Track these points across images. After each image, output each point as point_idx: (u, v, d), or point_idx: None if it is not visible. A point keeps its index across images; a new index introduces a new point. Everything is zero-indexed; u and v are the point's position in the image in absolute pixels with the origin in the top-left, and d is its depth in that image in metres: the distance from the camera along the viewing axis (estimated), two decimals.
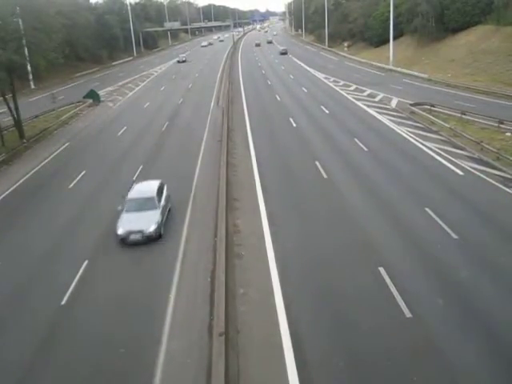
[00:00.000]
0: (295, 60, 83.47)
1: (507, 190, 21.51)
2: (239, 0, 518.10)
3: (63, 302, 14.93)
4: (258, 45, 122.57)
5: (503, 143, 27.86)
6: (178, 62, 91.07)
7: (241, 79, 63.61)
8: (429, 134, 31.29)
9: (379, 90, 48.54)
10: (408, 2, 68.83)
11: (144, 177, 26.13)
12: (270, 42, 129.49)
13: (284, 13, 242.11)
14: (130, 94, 58.29)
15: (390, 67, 64.47)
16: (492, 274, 15.03)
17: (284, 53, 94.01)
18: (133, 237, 18.00)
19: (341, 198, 21.74)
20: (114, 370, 12.08)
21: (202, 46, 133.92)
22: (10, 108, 36.05)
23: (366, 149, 28.68)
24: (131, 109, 48.10)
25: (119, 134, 37.23)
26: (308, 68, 70.84)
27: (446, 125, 31.97)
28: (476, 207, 19.94)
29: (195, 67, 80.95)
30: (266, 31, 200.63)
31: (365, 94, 48.02)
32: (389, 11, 65.99)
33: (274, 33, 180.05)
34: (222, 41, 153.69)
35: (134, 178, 25.84)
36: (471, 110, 34.74)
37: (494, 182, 22.45)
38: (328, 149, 29.45)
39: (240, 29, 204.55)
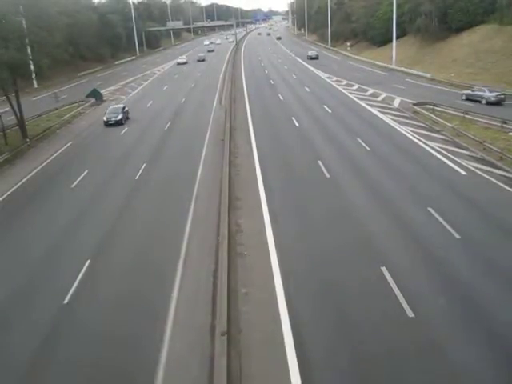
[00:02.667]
0: (298, 59, 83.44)
1: (510, 189, 21.45)
2: None
3: (66, 301, 14.97)
4: (259, 34, 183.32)
5: (506, 143, 27.78)
6: (105, 123, 40.06)
7: (243, 78, 63.60)
8: (432, 134, 31.23)
9: (382, 90, 48.47)
10: (411, 2, 68.66)
11: (147, 176, 26.26)
12: (268, 34, 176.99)
13: (287, 12, 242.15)
14: (133, 93, 58.37)
15: (393, 67, 64.38)
16: (494, 274, 14.99)
17: (279, 38, 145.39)
18: None
19: (343, 197, 21.71)
20: (116, 369, 12.08)
21: (180, 64, 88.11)
22: (12, 107, 36.12)
23: (368, 148, 28.64)
24: (134, 108, 48.07)
25: (121, 133, 37.26)
26: (311, 67, 70.82)
27: (449, 124, 31.89)
28: (479, 207, 19.88)
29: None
30: (270, 28, 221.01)
31: (367, 93, 47.96)
32: (392, 11, 65.87)
33: (275, 28, 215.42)
34: (211, 51, 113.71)
35: (137, 178, 26.01)
36: (474, 110, 34.67)
37: (497, 182, 22.39)
38: (330, 148, 29.42)
39: (235, 31, 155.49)
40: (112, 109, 41.84)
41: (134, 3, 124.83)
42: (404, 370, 11.44)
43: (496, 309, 13.34)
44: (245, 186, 23.99)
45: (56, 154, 32.41)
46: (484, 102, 38.95)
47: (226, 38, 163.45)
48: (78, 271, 16.55)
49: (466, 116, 33.70)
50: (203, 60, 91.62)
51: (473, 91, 40.79)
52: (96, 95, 52.15)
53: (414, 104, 38.67)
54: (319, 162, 26.20)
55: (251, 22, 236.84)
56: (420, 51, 66.86)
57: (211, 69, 76.89)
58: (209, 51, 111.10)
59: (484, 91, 39.54)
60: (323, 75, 61.92)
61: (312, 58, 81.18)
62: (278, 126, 35.98)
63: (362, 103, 42.58)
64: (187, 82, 63.27)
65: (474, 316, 13.15)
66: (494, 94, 38.86)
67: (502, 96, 38.62)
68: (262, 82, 59.24)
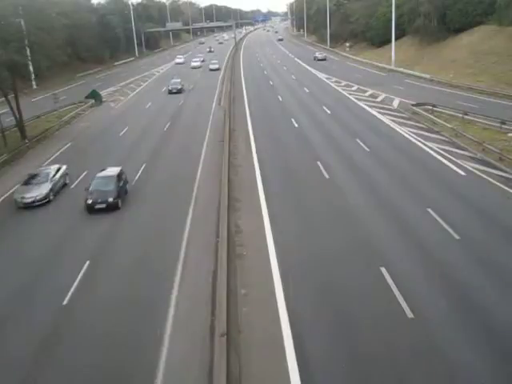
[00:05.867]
0: (297, 60, 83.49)
1: (509, 190, 21.46)
2: (241, 0, 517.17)
3: (65, 302, 14.95)
4: (264, 29, 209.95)
5: (505, 144, 27.79)
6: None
7: (243, 79, 63.59)
8: (431, 135, 31.24)
9: (381, 91, 48.47)
10: (410, 2, 68.72)
11: (146, 176, 26.24)
12: (268, 31, 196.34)
13: (286, 13, 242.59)
14: (132, 94, 58.31)
15: (392, 67, 64.40)
16: (494, 275, 15.00)
17: (276, 31, 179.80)
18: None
19: (342, 198, 21.71)
20: (116, 370, 12.08)
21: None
22: (12, 108, 36.07)
23: (367, 149, 28.66)
24: (133, 109, 48.14)
25: (121, 134, 37.24)
26: (310, 68, 70.81)
27: (448, 125, 31.91)
28: (478, 207, 19.89)
29: None
30: (272, 27, 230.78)
31: (367, 94, 47.97)
32: (391, 11, 65.94)
33: (276, 27, 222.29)
34: (174, 91, 54.47)
35: (136, 178, 25.99)
36: (473, 111, 34.69)
37: (496, 183, 22.41)
38: (330, 149, 29.43)
39: (234, 32, 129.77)
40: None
41: (132, 4, 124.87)
42: (404, 370, 11.44)
43: (495, 309, 13.34)
44: (244, 186, 23.99)
45: (55, 155, 32.38)
46: (316, 59, 79.46)
47: (210, 51, 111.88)
48: (78, 272, 16.55)
49: (465, 117, 33.71)
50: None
51: (314, 54, 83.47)
52: (95, 96, 52.09)
53: (413, 105, 38.69)
54: (318, 163, 26.20)
55: (250, 24, 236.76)
56: (419, 52, 66.91)
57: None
58: (171, 92, 54.25)
59: (316, 53, 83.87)
60: (322, 76, 61.94)
61: (279, 40, 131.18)
62: (278, 126, 35.99)
63: (361, 104, 42.60)
64: (186, 83, 63.15)
65: (473, 316, 13.15)
66: (321, 55, 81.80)
67: (324, 55, 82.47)
68: (261, 83, 59.24)
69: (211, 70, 73.99)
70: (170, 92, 54.75)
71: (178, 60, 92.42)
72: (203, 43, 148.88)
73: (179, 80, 57.81)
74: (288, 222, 19.65)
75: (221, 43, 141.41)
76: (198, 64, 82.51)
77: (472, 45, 56.45)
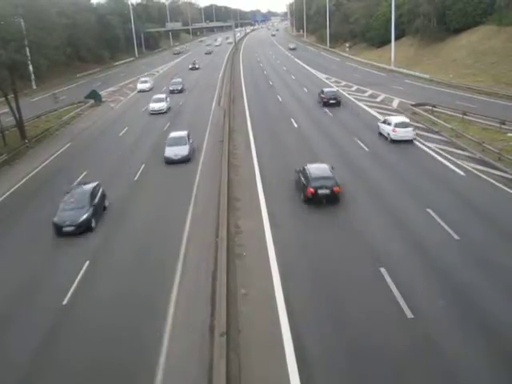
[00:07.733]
0: (296, 60, 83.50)
1: (509, 190, 21.48)
2: (241, 0, 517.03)
3: (65, 302, 14.96)
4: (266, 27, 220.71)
5: (505, 144, 27.82)
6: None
7: (242, 78, 63.60)
8: (430, 135, 31.25)
9: (381, 91, 48.47)
10: (409, 3, 68.82)
11: (146, 176, 26.26)
12: (268, 29, 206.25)
13: (285, 13, 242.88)
14: (132, 94, 58.25)
15: (392, 68, 64.45)
16: (493, 275, 15.02)
17: (277, 30, 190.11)
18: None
19: (342, 198, 21.70)
20: (115, 370, 12.08)
21: None
22: (11, 108, 36.09)
23: (367, 149, 28.68)
24: (133, 109, 48.11)
25: (121, 134, 37.24)
26: (309, 68, 70.81)
27: (448, 125, 31.92)
28: (477, 208, 19.91)
29: None
30: (272, 27, 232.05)
31: (366, 94, 47.97)
32: (390, 11, 65.98)
33: (276, 27, 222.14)
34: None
35: (136, 178, 25.93)
36: (473, 111, 34.70)
37: (495, 183, 22.42)
38: (329, 149, 29.42)
39: (234, 33, 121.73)
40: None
41: (132, 4, 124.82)
42: (404, 370, 11.46)
43: (495, 309, 13.36)
44: (244, 187, 23.99)
45: (55, 155, 32.39)
46: (289, 48, 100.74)
47: (194, 67, 77.10)
48: (77, 272, 16.56)
49: (465, 117, 33.73)
50: None
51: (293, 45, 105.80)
52: (95, 96, 52.07)
53: (413, 105, 38.72)
54: None
55: (250, 24, 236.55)
56: (419, 52, 67.00)
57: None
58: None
59: (291, 45, 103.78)
60: (322, 76, 61.94)
61: (272, 35, 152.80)
62: (277, 127, 35.98)
63: (361, 104, 42.60)
64: (186, 83, 63.11)
65: (473, 316, 13.17)
66: (292, 45, 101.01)
67: (295, 45, 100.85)
68: (260, 83, 59.23)
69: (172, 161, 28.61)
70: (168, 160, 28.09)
71: (141, 85, 58.94)
72: (179, 53, 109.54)
73: (185, 132, 30.22)
74: (287, 222, 19.64)
75: (209, 53, 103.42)
76: (161, 106, 44.19)
77: (471, 45, 56.53)
